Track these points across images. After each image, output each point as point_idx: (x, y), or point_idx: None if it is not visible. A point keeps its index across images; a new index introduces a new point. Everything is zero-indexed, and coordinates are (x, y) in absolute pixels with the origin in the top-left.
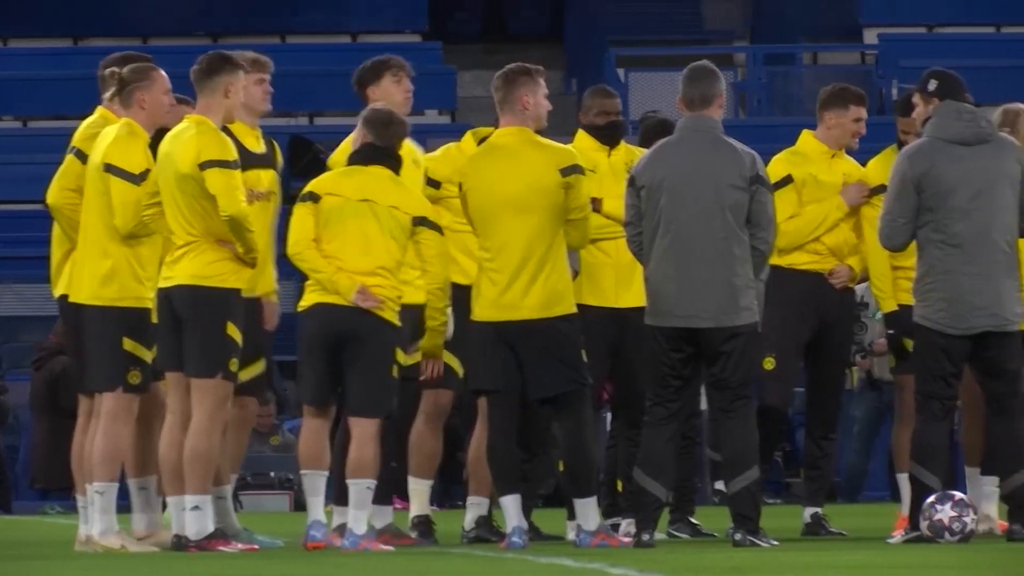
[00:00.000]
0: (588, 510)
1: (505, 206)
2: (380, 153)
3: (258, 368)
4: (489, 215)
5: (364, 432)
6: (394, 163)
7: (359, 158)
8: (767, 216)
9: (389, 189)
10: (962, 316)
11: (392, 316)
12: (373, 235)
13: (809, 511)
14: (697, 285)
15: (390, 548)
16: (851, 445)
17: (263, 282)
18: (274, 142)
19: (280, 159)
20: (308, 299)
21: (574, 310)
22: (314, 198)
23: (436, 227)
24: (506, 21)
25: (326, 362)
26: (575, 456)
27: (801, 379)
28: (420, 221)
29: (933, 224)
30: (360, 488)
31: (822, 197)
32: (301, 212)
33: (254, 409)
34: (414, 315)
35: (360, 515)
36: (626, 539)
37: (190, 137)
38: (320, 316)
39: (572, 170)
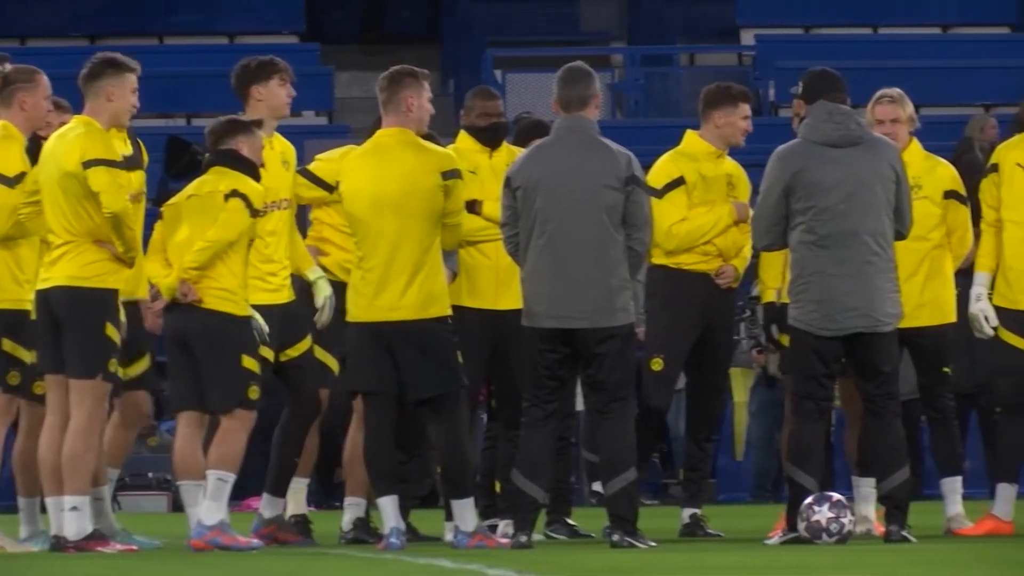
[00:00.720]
0: (465, 511)
1: (383, 207)
2: (222, 156)
3: (144, 364)
4: (366, 216)
5: (227, 426)
6: (237, 163)
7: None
8: (643, 217)
9: (214, 180)
10: (833, 317)
11: (232, 307)
12: (200, 230)
13: (687, 512)
14: (573, 286)
15: (248, 541)
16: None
17: (142, 285)
18: (141, 143)
19: (147, 159)
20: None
21: (449, 312)
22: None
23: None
24: (384, 22)
25: (178, 364)
26: (452, 457)
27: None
28: (231, 194)
29: (805, 226)
30: (213, 479)
31: (711, 198)
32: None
33: (145, 404)
34: (277, 313)
35: (213, 506)
36: (504, 540)
37: (75, 137)
38: (168, 318)
39: (452, 174)
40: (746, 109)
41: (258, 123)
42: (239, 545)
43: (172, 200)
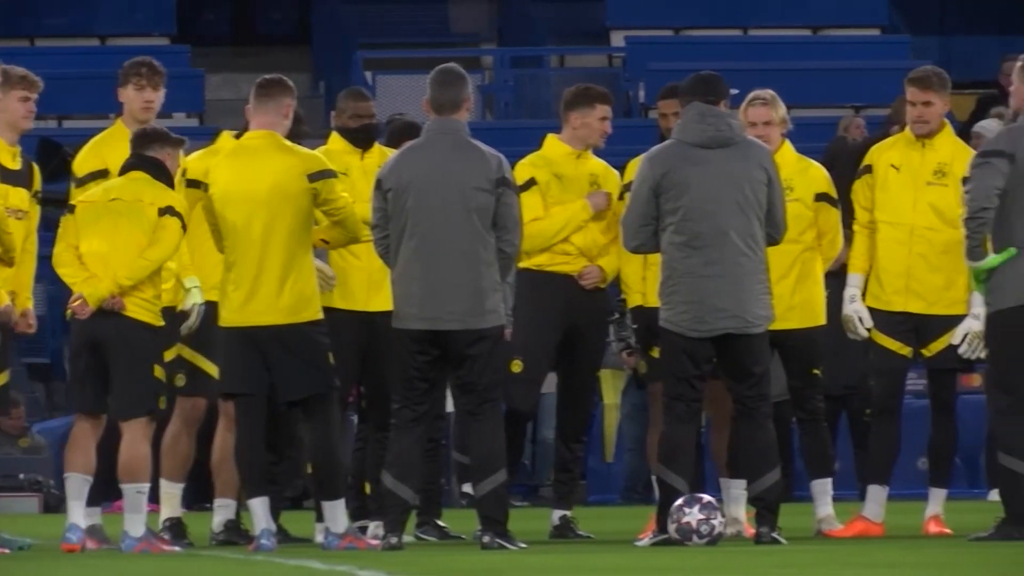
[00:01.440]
0: (336, 512)
1: (251, 210)
2: (147, 163)
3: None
4: (235, 218)
5: (131, 434)
6: (161, 175)
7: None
8: (513, 218)
9: (140, 188)
10: (703, 318)
11: (151, 317)
12: (129, 237)
13: (557, 514)
14: (443, 288)
15: (173, 548)
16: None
17: (22, 299)
18: (33, 164)
19: (38, 181)
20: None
21: (321, 315)
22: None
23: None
24: (255, 24)
25: (87, 368)
26: (322, 459)
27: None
28: (165, 211)
29: (674, 227)
30: (131, 492)
31: (568, 198)
32: (62, 222)
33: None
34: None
35: (134, 518)
36: (374, 542)
37: None
38: (80, 323)
39: (320, 175)
40: (604, 111)
41: (181, 141)
42: (167, 551)
43: (87, 197)
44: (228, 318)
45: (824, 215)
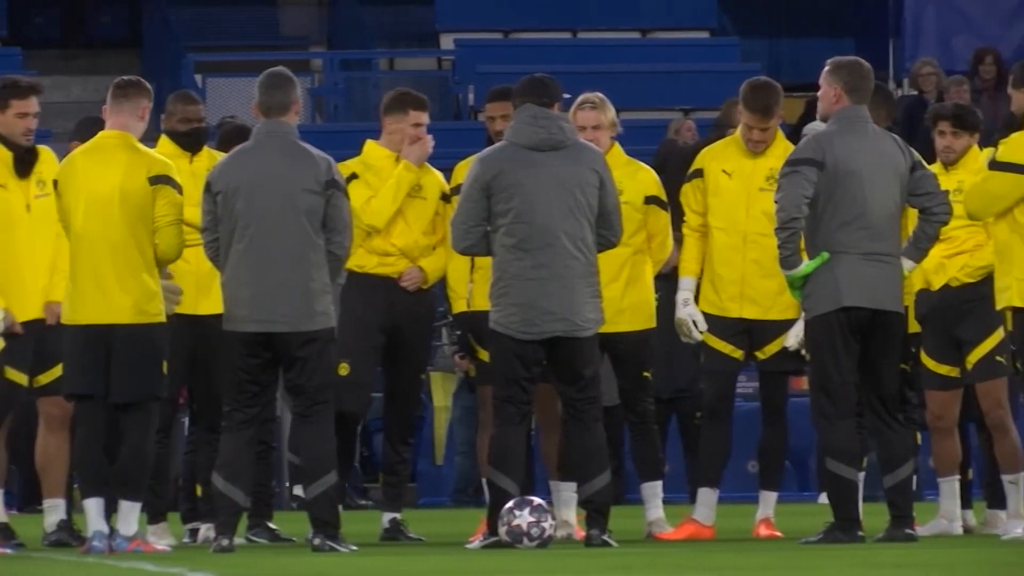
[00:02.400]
0: (131, 514)
1: (93, 206)
2: None
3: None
4: (78, 215)
5: None
6: None
7: None
8: (343, 220)
9: None
10: (533, 321)
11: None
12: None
13: (387, 516)
14: (273, 290)
15: (4, 551)
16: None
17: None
18: None
19: None
20: None
21: (163, 318)
22: None
23: None
24: (86, 26)
25: None
26: (132, 460)
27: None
28: None
29: (505, 229)
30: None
31: None
32: None
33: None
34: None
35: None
36: (161, 546)
37: None
38: None
39: (159, 180)
40: (417, 116)
41: None
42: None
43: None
44: (70, 316)
45: (654, 218)
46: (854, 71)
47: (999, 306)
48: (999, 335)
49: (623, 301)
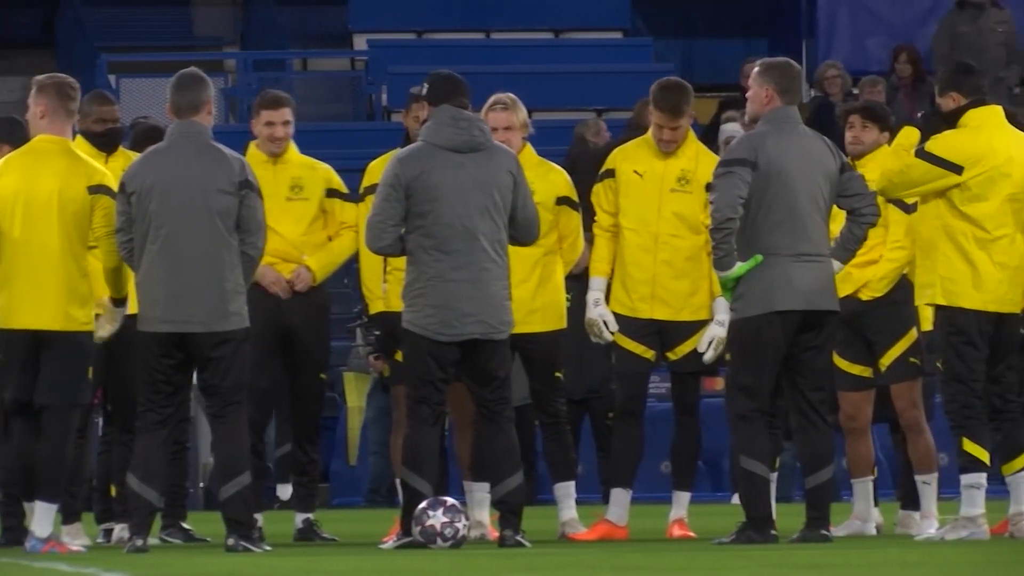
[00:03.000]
0: (47, 516)
1: (30, 211)
2: None
3: None
4: (15, 219)
5: None
6: None
7: None
8: (256, 221)
9: None
10: (450, 323)
11: None
12: None
13: (301, 517)
14: (187, 290)
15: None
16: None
17: None
18: None
19: None
20: None
21: (92, 327)
22: None
23: None
24: None
25: None
26: (49, 462)
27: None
28: None
29: (423, 230)
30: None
31: (269, 207)
32: None
33: None
34: None
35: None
36: (76, 547)
37: None
38: None
39: (98, 189)
40: (268, 115)
41: None
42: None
43: None
44: (3, 320)
45: (565, 219)
46: (785, 72)
47: (919, 302)
48: (912, 336)
49: (534, 302)
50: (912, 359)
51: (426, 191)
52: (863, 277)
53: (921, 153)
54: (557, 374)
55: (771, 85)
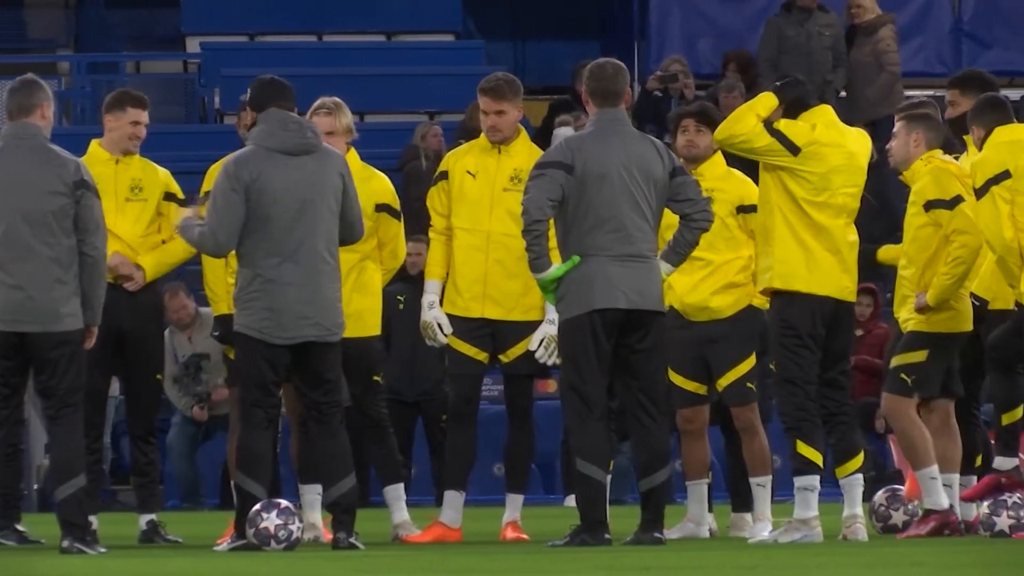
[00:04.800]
0: None
1: None
2: None
3: None
4: None
5: None
6: None
7: None
8: (94, 221)
9: None
10: (286, 325)
11: None
12: None
13: (144, 518)
14: (24, 291)
15: None
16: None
17: None
18: None
19: None
20: None
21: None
22: None
23: None
24: None
25: None
26: None
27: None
28: None
29: (259, 233)
30: None
31: (107, 207)
32: None
33: None
34: None
35: None
36: None
37: None
38: None
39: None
40: (136, 115)
41: None
42: None
43: None
44: None
45: (384, 226)
46: (593, 74)
47: (759, 287)
48: (750, 362)
49: (349, 307)
50: (749, 384)
51: (262, 194)
52: (703, 293)
53: (769, 128)
54: (376, 378)
55: (584, 87)
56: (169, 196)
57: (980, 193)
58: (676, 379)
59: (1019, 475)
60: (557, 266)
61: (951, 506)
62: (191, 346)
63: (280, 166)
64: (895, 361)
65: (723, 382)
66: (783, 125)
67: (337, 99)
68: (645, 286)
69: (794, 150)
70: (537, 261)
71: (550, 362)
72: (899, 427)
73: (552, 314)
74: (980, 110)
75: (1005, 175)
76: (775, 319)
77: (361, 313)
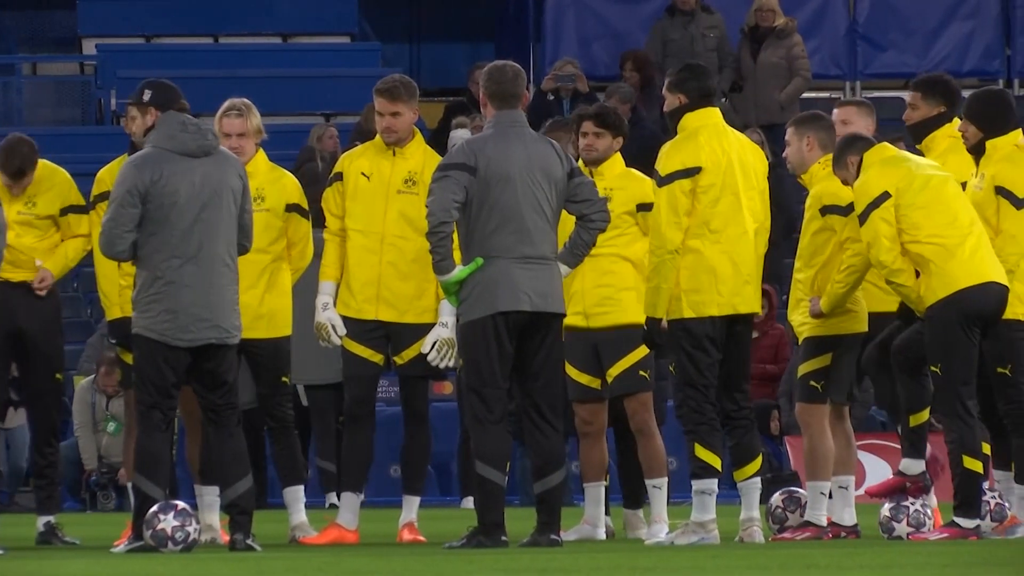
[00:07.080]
0: None
1: None
2: None
3: None
4: None
5: None
6: None
7: None
8: None
9: None
10: (186, 328)
11: None
12: None
13: (43, 520)
14: None
15: None
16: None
17: None
18: None
19: None
20: None
21: None
22: None
23: None
24: None
25: None
26: None
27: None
28: None
29: (160, 235)
30: None
31: None
32: None
33: None
34: None
35: None
36: None
37: None
38: None
39: None
40: None
41: None
42: None
43: None
44: None
45: (294, 226)
46: (491, 76)
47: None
48: (641, 351)
49: (261, 307)
50: (642, 372)
51: (163, 196)
52: (593, 299)
53: (662, 181)
54: (284, 379)
55: (483, 89)
56: (67, 210)
57: (862, 220)
58: (571, 372)
59: (924, 480)
60: (461, 268)
61: (831, 523)
62: (107, 411)
63: (181, 168)
64: (801, 370)
65: (614, 371)
66: (666, 165)
67: (246, 100)
68: (548, 288)
69: (695, 170)
70: (442, 263)
71: (442, 365)
72: (809, 434)
73: (445, 317)
74: (845, 148)
75: (884, 196)
76: (675, 323)
77: (273, 314)
